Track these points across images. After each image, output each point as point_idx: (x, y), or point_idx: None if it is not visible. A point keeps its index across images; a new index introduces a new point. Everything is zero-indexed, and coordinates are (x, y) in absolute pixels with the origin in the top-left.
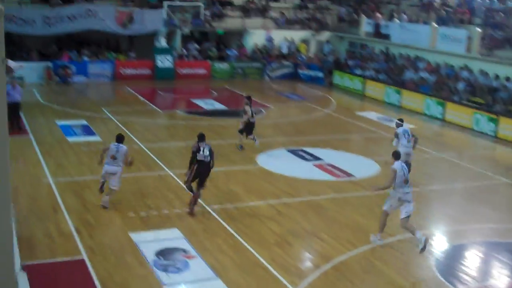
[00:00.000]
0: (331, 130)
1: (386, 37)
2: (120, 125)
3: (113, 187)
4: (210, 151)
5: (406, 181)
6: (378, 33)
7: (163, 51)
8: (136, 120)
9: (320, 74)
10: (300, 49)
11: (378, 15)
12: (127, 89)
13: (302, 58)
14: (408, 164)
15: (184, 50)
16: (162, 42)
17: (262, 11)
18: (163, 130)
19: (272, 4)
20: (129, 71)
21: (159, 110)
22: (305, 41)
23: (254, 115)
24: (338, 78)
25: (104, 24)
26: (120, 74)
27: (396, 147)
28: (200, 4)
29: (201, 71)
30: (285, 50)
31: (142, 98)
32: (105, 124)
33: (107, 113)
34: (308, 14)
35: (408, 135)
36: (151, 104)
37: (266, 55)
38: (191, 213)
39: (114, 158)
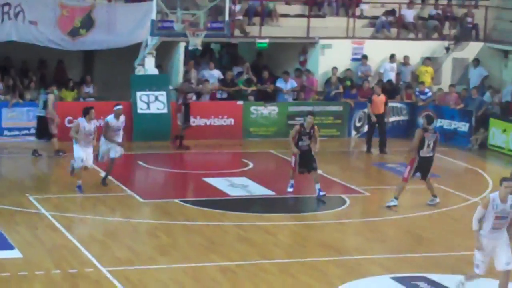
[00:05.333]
0: None
1: None
2: (61, 228)
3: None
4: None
5: None
6: None
7: (149, 83)
8: (93, 219)
9: (464, 127)
10: (421, 77)
11: None
12: None
13: (426, 95)
14: None
15: (192, 82)
16: (149, 66)
17: (347, 6)
18: (147, 240)
19: None
20: None
21: (140, 198)
22: (431, 62)
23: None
24: (498, 134)
25: (35, 32)
26: (65, 128)
27: None
28: None
29: (225, 121)
30: (391, 79)
31: (104, 174)
32: (31, 226)
33: (36, 204)
34: (437, 10)
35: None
36: (123, 187)
37: (355, 89)
38: None
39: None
